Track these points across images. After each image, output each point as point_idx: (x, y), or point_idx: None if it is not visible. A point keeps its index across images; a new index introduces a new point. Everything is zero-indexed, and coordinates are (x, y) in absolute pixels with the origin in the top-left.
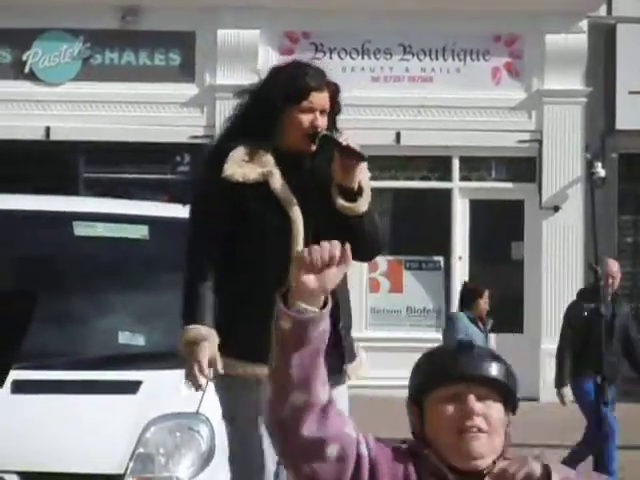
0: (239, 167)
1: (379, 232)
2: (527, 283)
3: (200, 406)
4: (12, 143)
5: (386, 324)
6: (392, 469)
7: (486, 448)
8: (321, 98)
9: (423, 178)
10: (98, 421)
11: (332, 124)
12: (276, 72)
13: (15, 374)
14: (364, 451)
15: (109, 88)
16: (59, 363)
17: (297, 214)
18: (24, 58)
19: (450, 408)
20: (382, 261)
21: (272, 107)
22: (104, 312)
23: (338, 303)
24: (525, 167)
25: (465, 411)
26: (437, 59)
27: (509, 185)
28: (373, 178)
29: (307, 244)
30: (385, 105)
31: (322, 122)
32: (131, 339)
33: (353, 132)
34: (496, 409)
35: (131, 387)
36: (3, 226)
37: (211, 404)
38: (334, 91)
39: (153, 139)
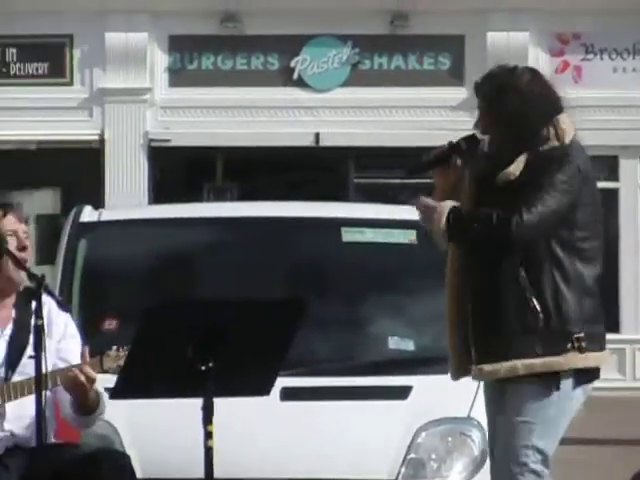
0: None
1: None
2: None
3: (471, 410)
4: (282, 150)
5: None
6: None
7: None
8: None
9: None
10: (369, 427)
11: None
12: None
13: (285, 381)
14: None
15: (378, 93)
16: (329, 369)
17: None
18: (292, 64)
19: None
20: None
21: None
22: (373, 318)
23: None
24: None
25: None
26: None
27: None
28: None
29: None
30: None
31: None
32: (401, 344)
33: (630, 133)
34: None
35: (401, 392)
36: (273, 233)
37: (483, 408)
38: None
39: (422, 143)
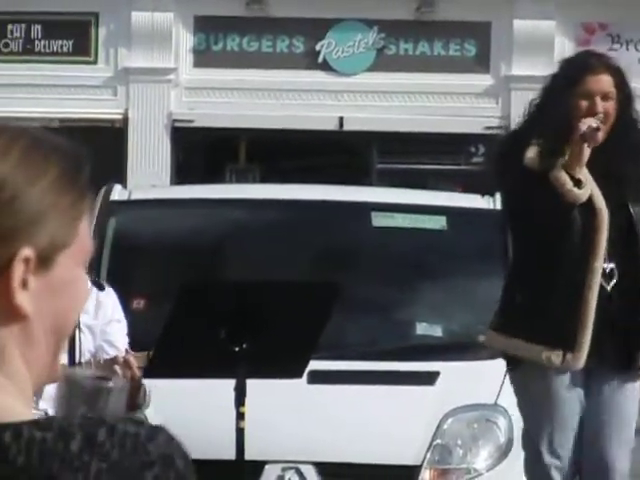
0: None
1: None
2: None
3: (498, 397)
4: (306, 133)
5: None
6: None
7: None
8: (598, 81)
9: None
10: (395, 412)
11: (622, 112)
12: (562, 62)
13: (312, 364)
14: None
15: (403, 78)
16: (356, 353)
17: (601, 203)
18: (317, 48)
19: None
20: None
21: (556, 95)
22: (402, 303)
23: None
24: None
25: None
26: None
27: None
28: None
29: (611, 235)
30: None
31: (602, 107)
32: (429, 330)
33: None
34: None
35: (429, 378)
36: (304, 216)
37: (510, 395)
38: (618, 76)
39: (447, 129)
